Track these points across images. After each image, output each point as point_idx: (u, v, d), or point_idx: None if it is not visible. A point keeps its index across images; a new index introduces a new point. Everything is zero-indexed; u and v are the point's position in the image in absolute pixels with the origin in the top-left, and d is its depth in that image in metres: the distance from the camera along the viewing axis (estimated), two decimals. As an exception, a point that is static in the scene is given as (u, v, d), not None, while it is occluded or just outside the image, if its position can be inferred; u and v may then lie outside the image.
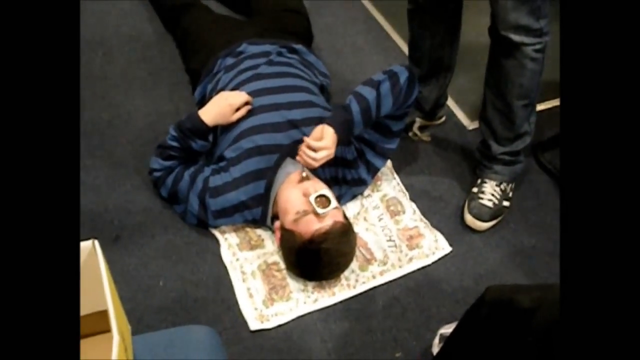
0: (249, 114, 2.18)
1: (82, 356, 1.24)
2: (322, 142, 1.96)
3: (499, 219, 2.28)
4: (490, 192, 2.26)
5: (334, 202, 1.98)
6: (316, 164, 1.97)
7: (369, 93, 2.06)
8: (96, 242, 1.08)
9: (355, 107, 2.03)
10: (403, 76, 2.10)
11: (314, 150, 1.96)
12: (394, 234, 2.21)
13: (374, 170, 2.27)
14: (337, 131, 1.98)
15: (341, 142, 2.02)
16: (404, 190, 2.35)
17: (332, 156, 1.99)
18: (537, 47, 1.99)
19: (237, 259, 2.11)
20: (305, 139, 1.98)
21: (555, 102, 2.72)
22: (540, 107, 2.62)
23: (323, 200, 1.98)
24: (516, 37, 1.96)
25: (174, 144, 2.16)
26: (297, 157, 2.00)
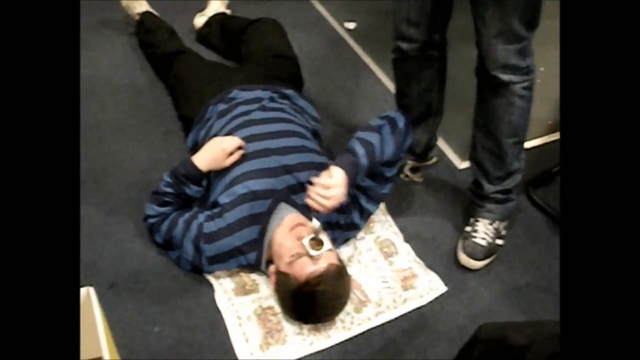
0: (242, 159, 2.19)
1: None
2: (332, 179, 1.95)
3: (493, 257, 2.28)
4: (483, 230, 2.27)
5: (327, 244, 1.98)
6: (328, 204, 1.93)
7: (372, 137, 2.08)
8: (91, 289, 1.09)
9: (360, 150, 2.04)
10: (401, 121, 2.15)
11: (325, 188, 1.93)
12: (388, 275, 2.21)
13: (367, 216, 2.28)
14: (346, 172, 1.97)
15: (350, 183, 1.99)
16: (398, 232, 2.36)
17: (344, 198, 1.97)
18: (525, 84, 2.02)
19: (232, 304, 2.11)
20: (314, 179, 1.96)
21: (545, 139, 2.76)
22: (529, 144, 2.65)
23: (316, 242, 1.98)
24: (504, 76, 1.98)
25: (169, 190, 2.18)
26: (307, 200, 1.95)
